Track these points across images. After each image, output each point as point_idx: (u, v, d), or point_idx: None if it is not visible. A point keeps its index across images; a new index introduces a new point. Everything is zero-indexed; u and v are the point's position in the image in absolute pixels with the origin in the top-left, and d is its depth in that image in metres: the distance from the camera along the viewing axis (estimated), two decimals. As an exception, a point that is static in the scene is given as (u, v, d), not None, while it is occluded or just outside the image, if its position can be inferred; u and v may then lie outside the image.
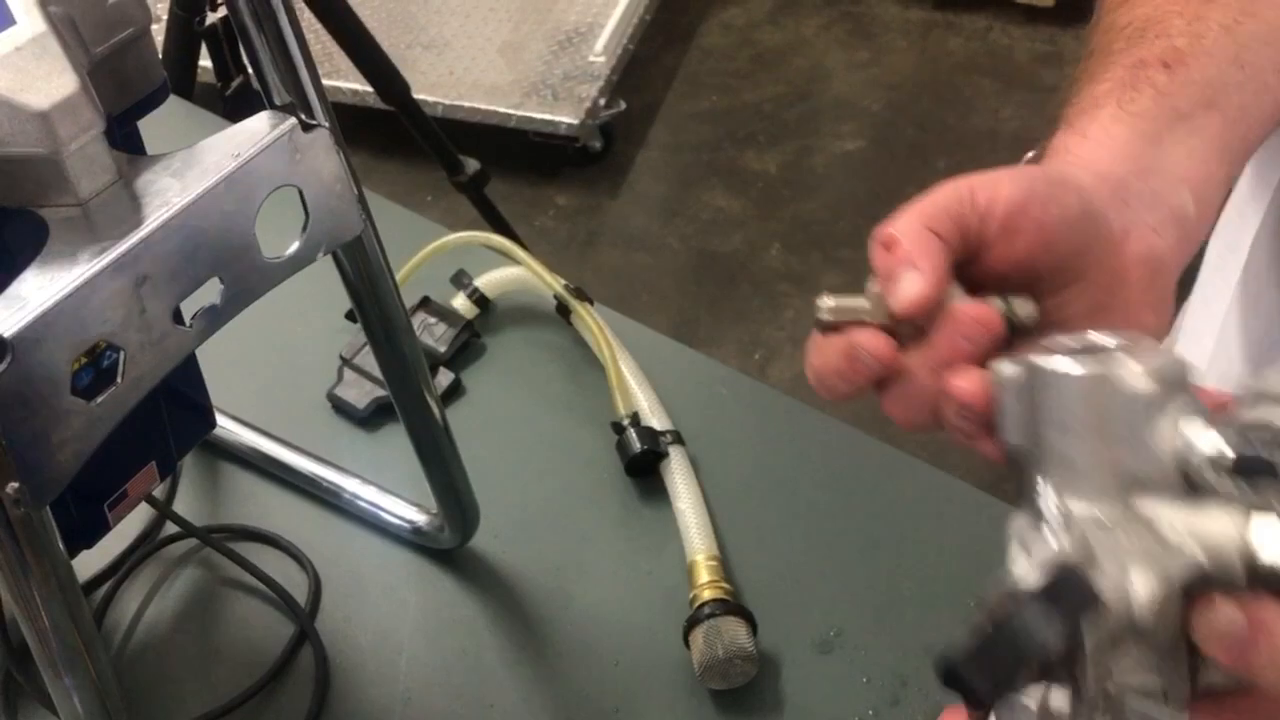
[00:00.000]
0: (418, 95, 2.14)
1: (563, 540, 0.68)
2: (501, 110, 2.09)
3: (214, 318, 0.40)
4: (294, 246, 0.42)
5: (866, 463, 0.72)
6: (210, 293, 0.40)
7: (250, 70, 0.40)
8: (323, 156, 0.41)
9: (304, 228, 0.42)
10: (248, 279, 0.40)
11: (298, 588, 0.67)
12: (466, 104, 2.12)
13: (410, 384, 0.57)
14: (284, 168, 0.40)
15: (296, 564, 0.68)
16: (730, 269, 1.99)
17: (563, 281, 0.78)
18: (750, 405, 0.76)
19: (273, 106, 0.41)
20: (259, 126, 0.39)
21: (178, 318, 0.39)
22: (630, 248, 2.05)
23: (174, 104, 1.01)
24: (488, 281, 0.80)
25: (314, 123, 0.40)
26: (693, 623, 0.61)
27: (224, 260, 0.39)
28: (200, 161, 0.38)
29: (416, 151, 1.64)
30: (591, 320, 0.76)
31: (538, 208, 2.12)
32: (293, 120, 0.40)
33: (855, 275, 1.79)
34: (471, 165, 1.42)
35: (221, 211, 0.38)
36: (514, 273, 0.80)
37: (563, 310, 0.79)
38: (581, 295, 0.78)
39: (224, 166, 0.38)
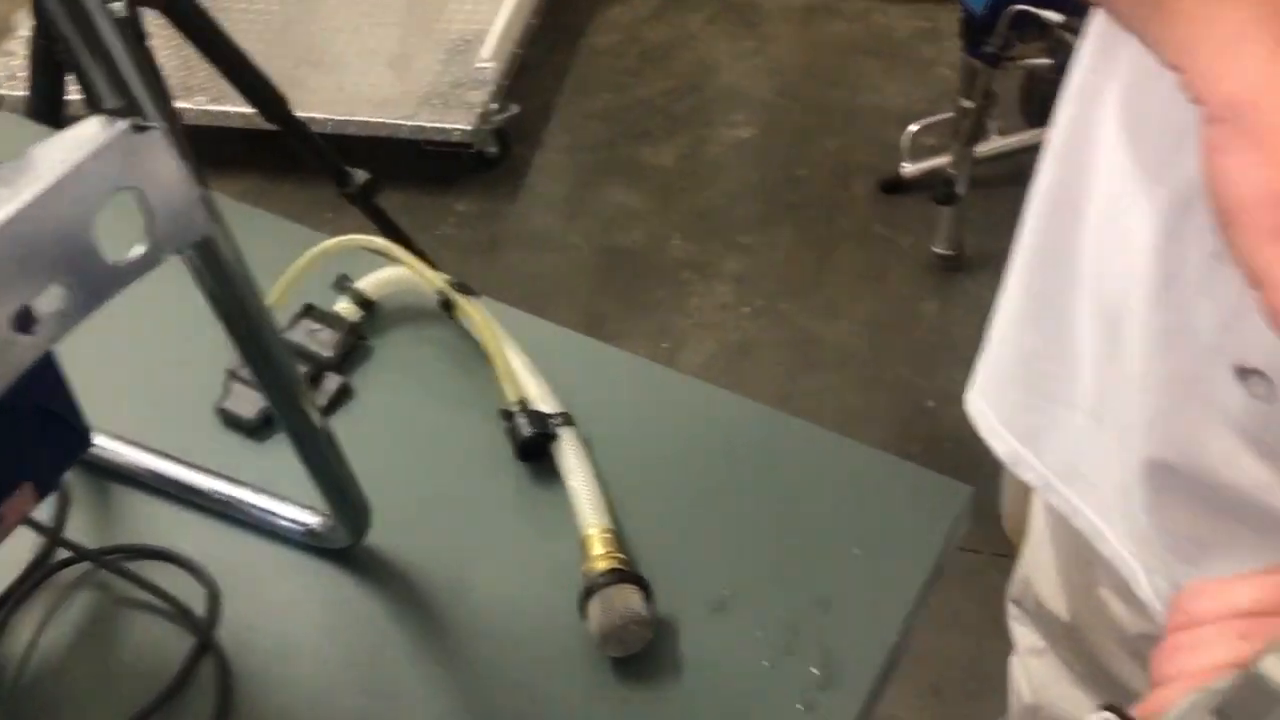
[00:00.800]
0: (308, 113, 2.13)
1: (459, 529, 0.69)
2: (392, 122, 2.09)
3: (60, 324, 0.40)
4: (138, 249, 0.42)
5: (754, 428, 0.74)
6: (58, 298, 0.41)
7: (77, 78, 0.40)
8: (160, 157, 0.41)
9: (146, 229, 0.42)
10: (92, 283, 0.41)
11: (197, 601, 0.67)
12: (358, 118, 2.11)
13: (283, 387, 0.58)
14: (119, 170, 0.40)
15: (194, 577, 0.68)
16: (634, 262, 2.01)
17: (444, 277, 0.79)
18: (640, 383, 0.78)
19: (103, 111, 0.42)
20: (90, 131, 0.40)
21: (21, 326, 0.39)
22: (534, 249, 2.06)
23: (31, 129, 1.00)
24: (369, 283, 0.81)
25: (147, 124, 0.41)
26: (588, 593, 0.62)
27: (63, 265, 0.39)
28: (32, 168, 0.39)
29: (313, 170, 1.63)
30: (475, 312, 0.77)
31: (438, 217, 2.12)
32: (124, 122, 0.40)
33: (755, 260, 1.84)
34: (360, 176, 1.42)
35: (56, 216, 0.38)
36: (394, 272, 0.80)
37: (447, 306, 0.79)
38: (464, 289, 0.79)
39: (56, 172, 0.38)
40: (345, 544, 0.67)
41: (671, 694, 0.61)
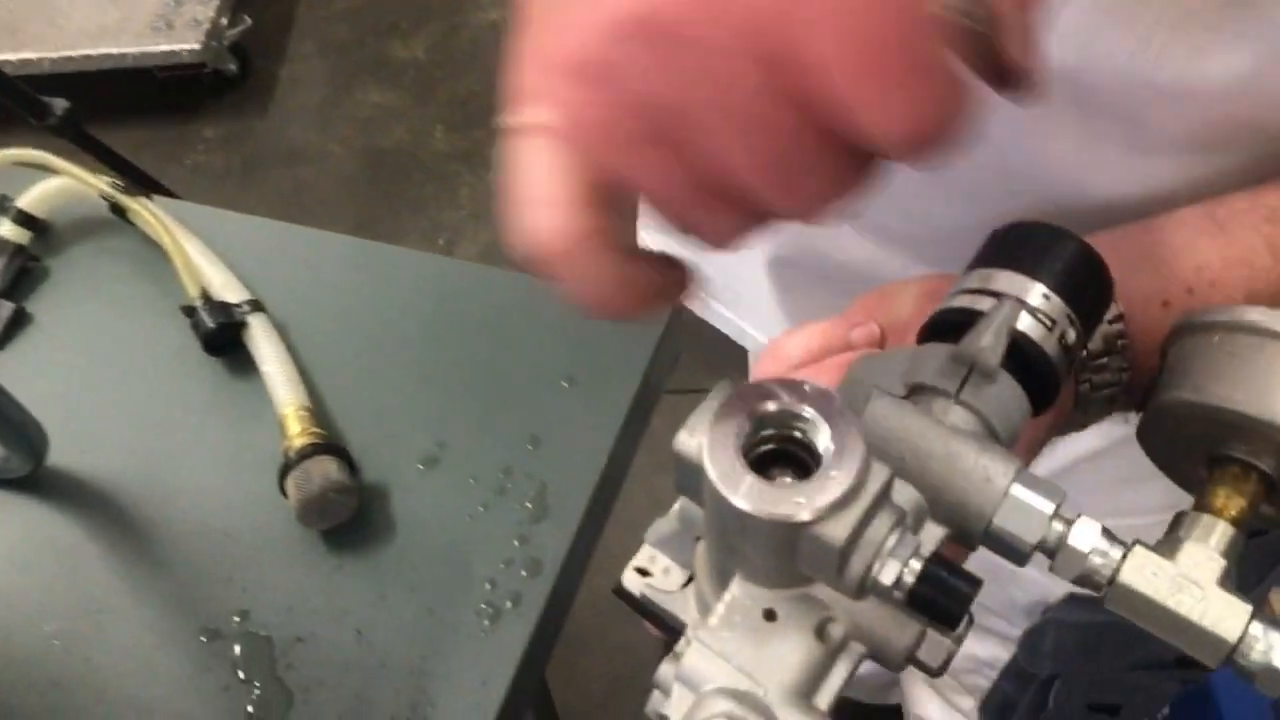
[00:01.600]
0: (23, 54, 1.97)
1: (155, 435, 0.66)
2: (116, 52, 1.95)
3: None
4: None
5: (456, 286, 0.72)
6: None
7: None
8: None
9: None
10: None
11: (-122, 560, 0.62)
12: (78, 53, 1.96)
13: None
14: None
15: None
16: (399, 161, 1.95)
17: (108, 180, 0.74)
18: (336, 261, 0.75)
19: None
20: None
21: None
22: (293, 163, 1.97)
23: None
24: (30, 200, 0.75)
25: None
26: (285, 470, 0.60)
27: None
28: None
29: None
30: (146, 213, 0.73)
31: (186, 146, 2.00)
32: None
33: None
34: (59, 105, 1.31)
35: None
36: (55, 184, 0.75)
37: (119, 211, 0.74)
38: (134, 190, 0.74)
39: None
40: (26, 471, 0.63)
41: (387, 554, 0.61)
